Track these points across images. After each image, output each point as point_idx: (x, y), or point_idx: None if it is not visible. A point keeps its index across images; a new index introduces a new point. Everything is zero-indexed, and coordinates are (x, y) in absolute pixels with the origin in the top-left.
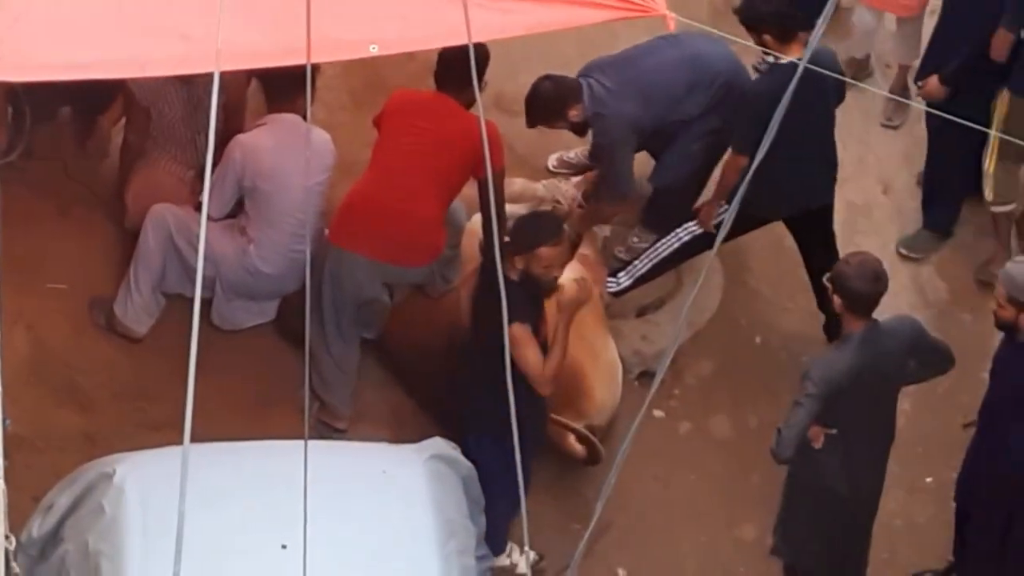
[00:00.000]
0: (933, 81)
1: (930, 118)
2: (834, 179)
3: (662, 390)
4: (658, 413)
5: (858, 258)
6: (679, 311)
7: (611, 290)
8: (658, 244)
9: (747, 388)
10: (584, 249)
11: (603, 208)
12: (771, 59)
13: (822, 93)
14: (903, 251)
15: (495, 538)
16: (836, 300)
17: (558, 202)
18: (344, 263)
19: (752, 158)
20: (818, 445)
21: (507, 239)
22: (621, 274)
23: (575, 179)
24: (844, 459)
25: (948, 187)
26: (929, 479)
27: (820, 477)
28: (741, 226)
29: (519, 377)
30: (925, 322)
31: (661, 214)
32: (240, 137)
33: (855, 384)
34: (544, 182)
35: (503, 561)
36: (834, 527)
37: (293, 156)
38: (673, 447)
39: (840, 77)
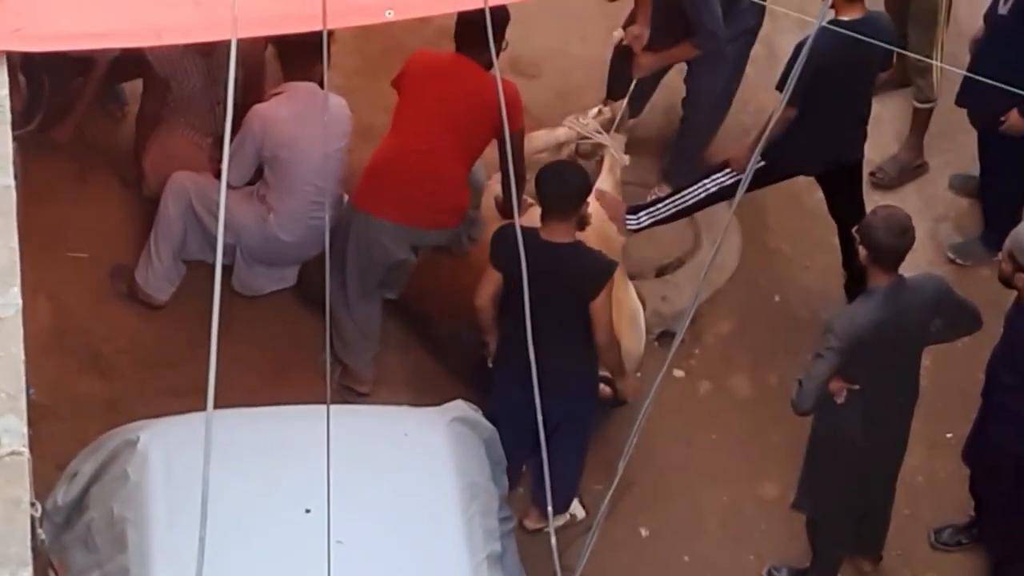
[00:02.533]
0: (1015, 115)
1: (983, 143)
2: (865, 136)
3: (682, 350)
4: (678, 373)
5: (886, 211)
6: (698, 271)
7: (631, 227)
8: (684, 192)
9: (767, 347)
10: (603, 184)
11: (681, 50)
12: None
13: (871, 56)
14: (952, 256)
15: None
16: (862, 252)
17: (585, 137)
18: (371, 229)
19: (799, 110)
20: (840, 400)
21: (538, 202)
22: (642, 213)
23: (592, 111)
24: (866, 415)
25: (1007, 205)
26: (950, 435)
27: (842, 432)
28: (771, 176)
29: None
30: (945, 276)
31: (682, 165)
32: (258, 108)
33: (878, 339)
34: (565, 121)
35: (563, 518)
36: (856, 482)
37: (311, 124)
38: (694, 407)
39: (890, 47)
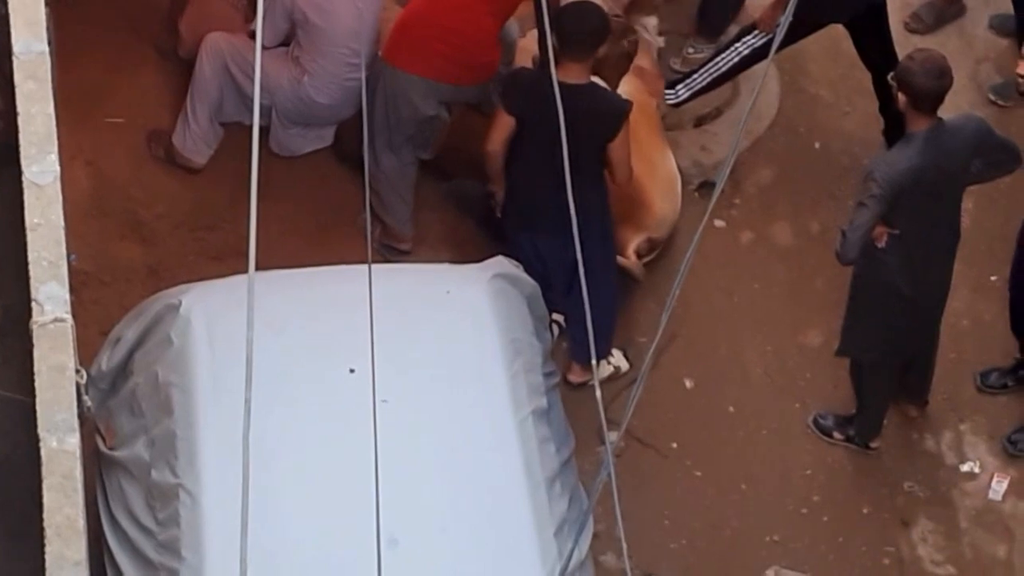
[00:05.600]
0: None
1: None
2: None
3: (722, 200)
4: (719, 223)
5: (923, 54)
6: (737, 120)
7: (669, 102)
8: (717, 59)
9: (808, 194)
10: (641, 60)
11: None
12: None
13: None
14: (992, 97)
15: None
16: (900, 97)
17: (617, 15)
18: (399, 83)
19: None
20: (881, 244)
21: (556, 42)
22: (679, 86)
23: None
24: (907, 259)
25: None
26: (994, 277)
27: (884, 276)
28: (800, 31)
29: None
30: (985, 118)
31: (713, 19)
32: None
33: (919, 184)
34: None
35: (606, 370)
36: (900, 326)
37: None
38: (735, 256)
39: None
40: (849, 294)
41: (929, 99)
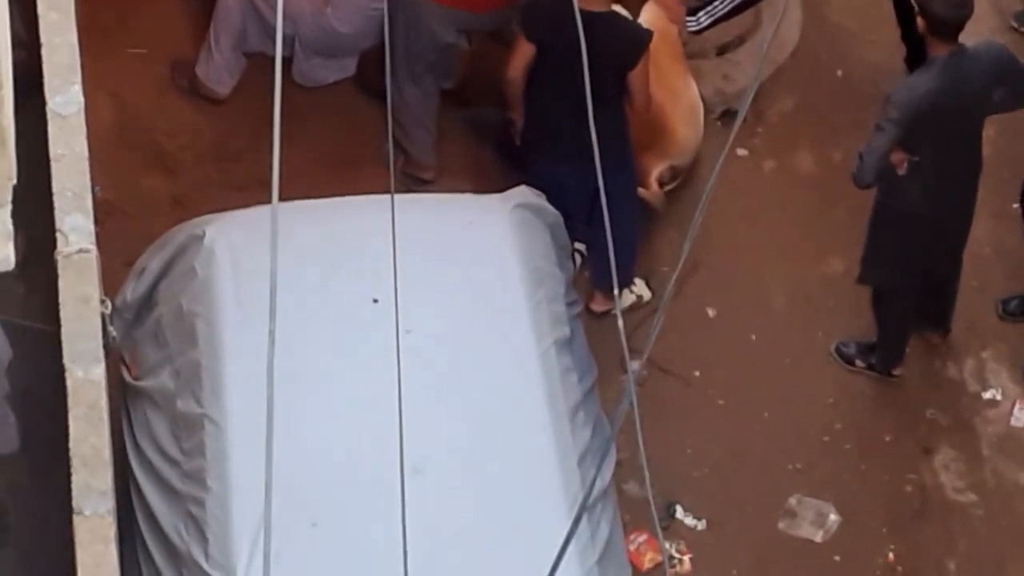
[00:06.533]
0: None
1: None
2: None
3: (745, 128)
4: (741, 152)
5: None
6: (759, 48)
7: (691, 29)
8: None
9: (830, 123)
10: None
11: None
12: None
13: None
14: (1015, 24)
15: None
16: (920, 23)
17: None
18: (420, 10)
19: None
20: (901, 171)
21: None
22: (701, 13)
23: None
24: (927, 186)
25: None
26: (1016, 205)
27: (904, 204)
28: None
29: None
30: (1007, 45)
31: None
32: None
33: (937, 109)
34: None
35: (629, 299)
36: (920, 254)
37: None
38: (758, 185)
39: None
40: (870, 222)
41: (948, 27)
